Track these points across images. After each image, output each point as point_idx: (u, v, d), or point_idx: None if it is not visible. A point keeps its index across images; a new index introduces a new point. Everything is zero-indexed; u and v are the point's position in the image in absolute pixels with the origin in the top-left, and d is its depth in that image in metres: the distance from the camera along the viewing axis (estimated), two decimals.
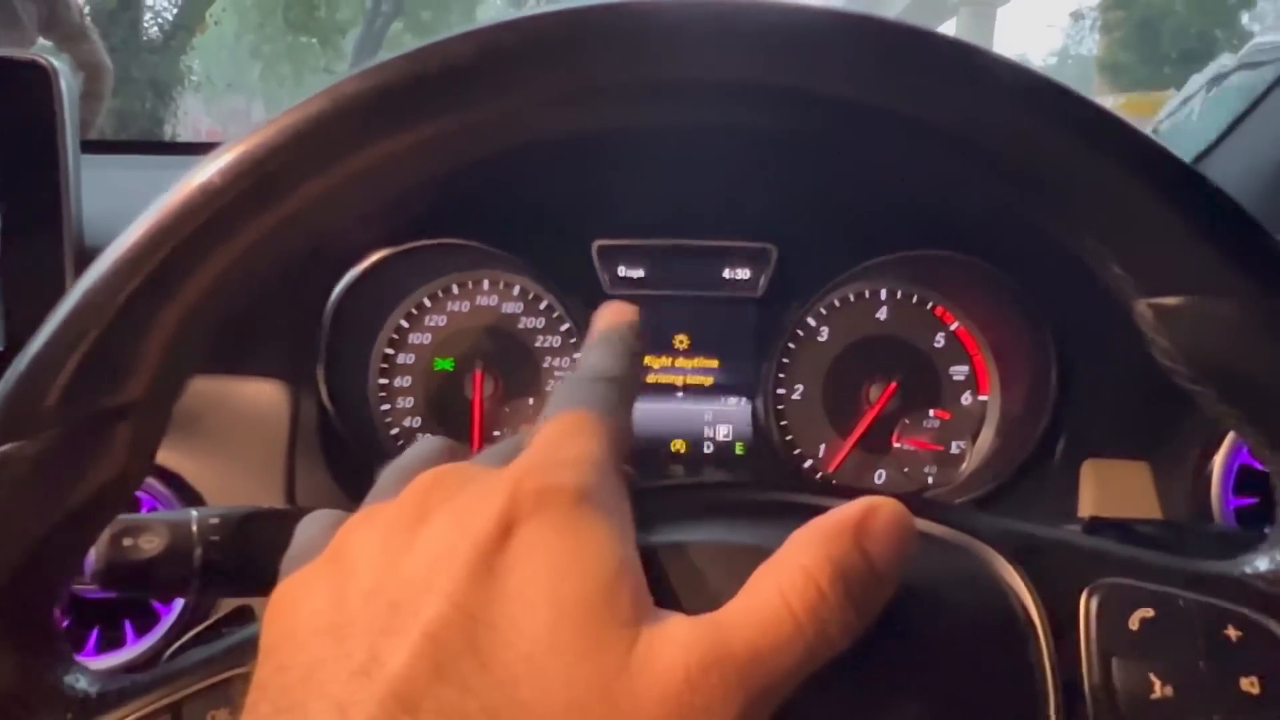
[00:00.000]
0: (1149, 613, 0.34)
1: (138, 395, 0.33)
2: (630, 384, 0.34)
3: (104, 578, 0.46)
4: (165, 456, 0.69)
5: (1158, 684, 0.33)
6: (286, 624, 0.26)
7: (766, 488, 0.39)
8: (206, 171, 0.31)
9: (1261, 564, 0.35)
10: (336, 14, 10.94)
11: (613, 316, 0.37)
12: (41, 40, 2.68)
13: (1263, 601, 0.34)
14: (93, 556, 0.45)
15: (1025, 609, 0.35)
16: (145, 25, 9.24)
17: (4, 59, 0.63)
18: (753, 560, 0.29)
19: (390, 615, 0.24)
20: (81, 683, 0.34)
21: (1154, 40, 11.42)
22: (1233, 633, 0.33)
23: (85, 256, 0.67)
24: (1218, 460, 0.65)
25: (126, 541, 0.47)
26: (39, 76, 0.63)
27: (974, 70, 0.32)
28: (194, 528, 0.48)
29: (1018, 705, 0.33)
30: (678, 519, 0.35)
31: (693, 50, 0.32)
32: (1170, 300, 0.32)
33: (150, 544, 0.47)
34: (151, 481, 0.67)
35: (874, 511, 0.28)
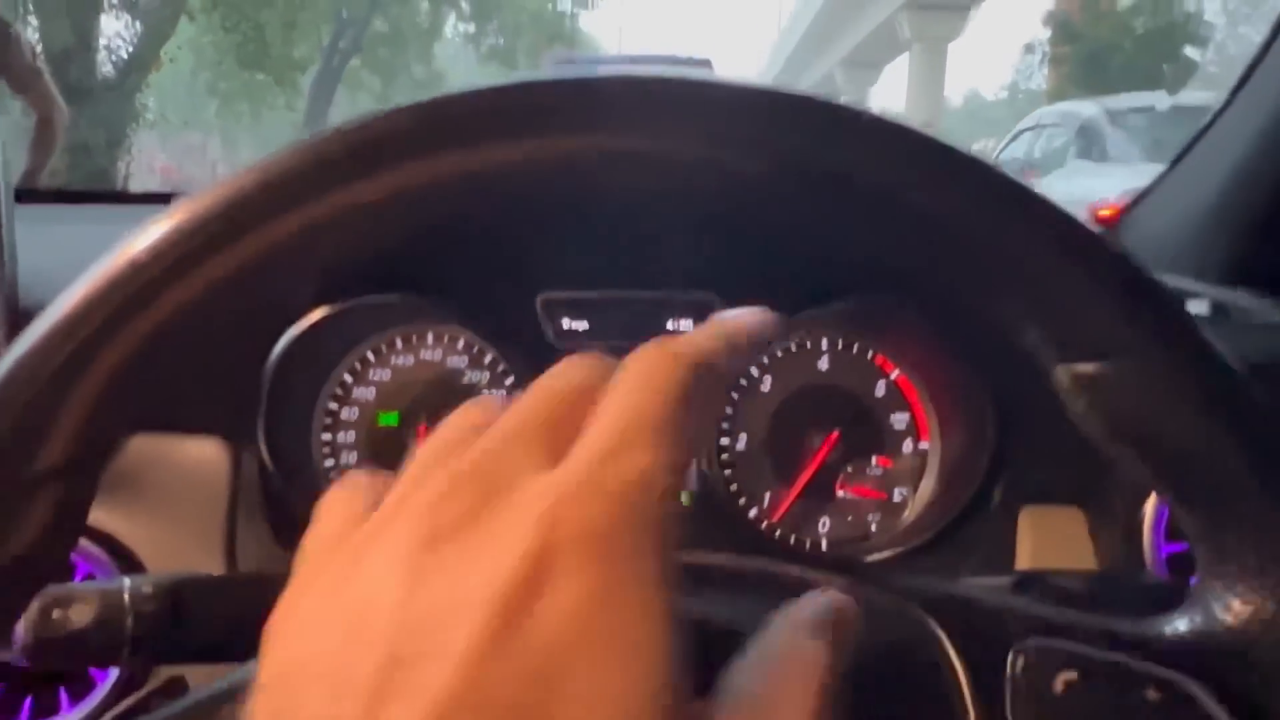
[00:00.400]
0: (1072, 675, 0.35)
1: (57, 464, 0.33)
2: (727, 386, 0.30)
3: (32, 652, 0.45)
4: (100, 518, 0.68)
5: None
6: (285, 656, 0.23)
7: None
8: (135, 245, 0.32)
9: (1181, 625, 0.36)
10: (294, 52, 10.94)
11: (750, 314, 0.31)
12: None
13: (1181, 662, 0.34)
14: (20, 630, 0.44)
15: (951, 668, 0.36)
16: (99, 63, 9.18)
17: None
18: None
19: (392, 674, 0.20)
20: None
21: (1102, 75, 11.68)
22: (1153, 694, 0.34)
23: (19, 316, 0.67)
24: (1148, 507, 0.66)
25: (55, 614, 0.45)
26: None
27: (888, 144, 0.33)
28: (126, 597, 0.47)
29: None
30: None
31: (619, 125, 0.33)
32: (1084, 366, 0.33)
33: (80, 615, 0.46)
34: (85, 544, 0.66)
35: (836, 607, 0.30)
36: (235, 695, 0.35)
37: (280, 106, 12.12)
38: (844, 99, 0.35)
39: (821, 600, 0.29)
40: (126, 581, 0.48)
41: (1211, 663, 0.34)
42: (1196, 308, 0.81)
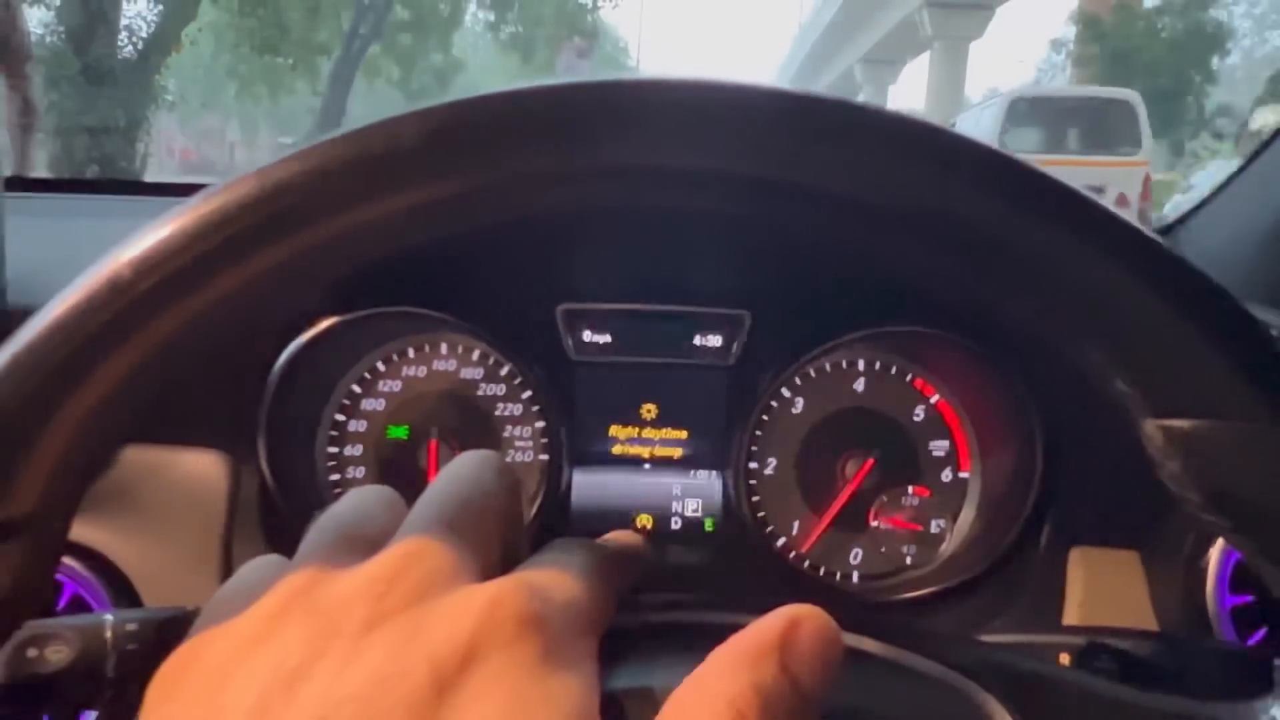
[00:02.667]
0: None
1: (28, 510, 0.29)
2: (614, 597, 0.30)
3: (3, 696, 0.42)
4: (89, 534, 0.64)
5: None
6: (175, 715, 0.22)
7: (732, 607, 0.36)
8: (117, 262, 0.28)
9: (1278, 712, 0.32)
10: (314, 36, 10.91)
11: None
12: None
13: None
14: None
15: None
16: (120, 45, 9.18)
17: None
18: None
19: None
20: None
21: (1126, 76, 11.57)
22: None
23: (5, 314, 0.63)
24: (1213, 555, 0.61)
25: (31, 653, 0.42)
26: None
27: (978, 172, 0.29)
28: (108, 634, 0.44)
29: None
30: (646, 657, 0.32)
31: (659, 138, 0.29)
32: (1183, 423, 0.29)
33: (58, 654, 0.43)
34: (74, 565, 0.63)
35: (797, 626, 0.25)
36: None
37: (299, 91, 12.11)
38: (861, 97, 0.30)
39: (777, 618, 0.25)
40: (109, 617, 0.44)
41: None
42: None
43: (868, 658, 0.34)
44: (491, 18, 13.37)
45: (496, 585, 0.24)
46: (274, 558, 0.28)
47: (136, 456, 0.66)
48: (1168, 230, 0.90)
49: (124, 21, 9.39)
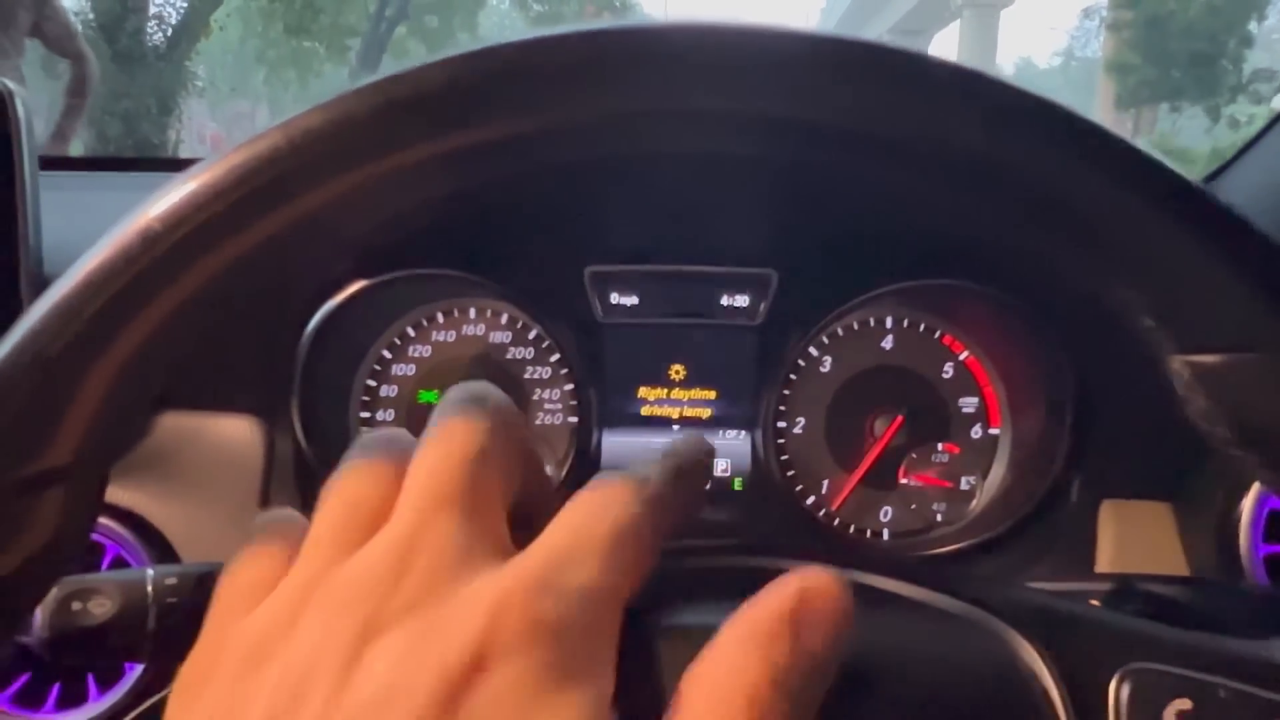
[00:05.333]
0: (1186, 704, 0.31)
1: (66, 461, 0.30)
2: (678, 525, 0.28)
3: (50, 647, 0.43)
4: (128, 497, 0.65)
5: None
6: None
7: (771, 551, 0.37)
8: (146, 215, 0.28)
9: None
10: (341, 19, 10.95)
11: (692, 446, 0.31)
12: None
13: None
14: (39, 623, 0.42)
15: (1048, 695, 0.32)
16: (150, 31, 9.25)
17: None
18: None
19: None
20: None
21: (1162, 42, 11.37)
22: None
23: (42, 285, 0.64)
24: (1246, 504, 0.61)
25: (75, 606, 0.44)
26: None
27: (994, 102, 0.28)
28: (149, 588, 0.45)
29: None
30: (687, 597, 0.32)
31: (699, 79, 0.29)
32: (1211, 359, 0.29)
33: (101, 608, 0.44)
34: (112, 525, 0.64)
35: (808, 597, 0.25)
36: None
37: (326, 75, 12.16)
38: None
39: (786, 589, 0.25)
40: (150, 572, 0.46)
41: None
42: None
43: (894, 598, 0.34)
44: None
45: (505, 581, 0.23)
46: (285, 529, 0.28)
47: (175, 423, 0.68)
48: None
49: (153, 9, 9.46)
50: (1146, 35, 12.02)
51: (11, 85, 0.60)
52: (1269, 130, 0.83)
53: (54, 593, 0.43)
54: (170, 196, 0.28)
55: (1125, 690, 0.31)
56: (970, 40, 20.44)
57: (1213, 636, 0.34)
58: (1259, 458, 0.30)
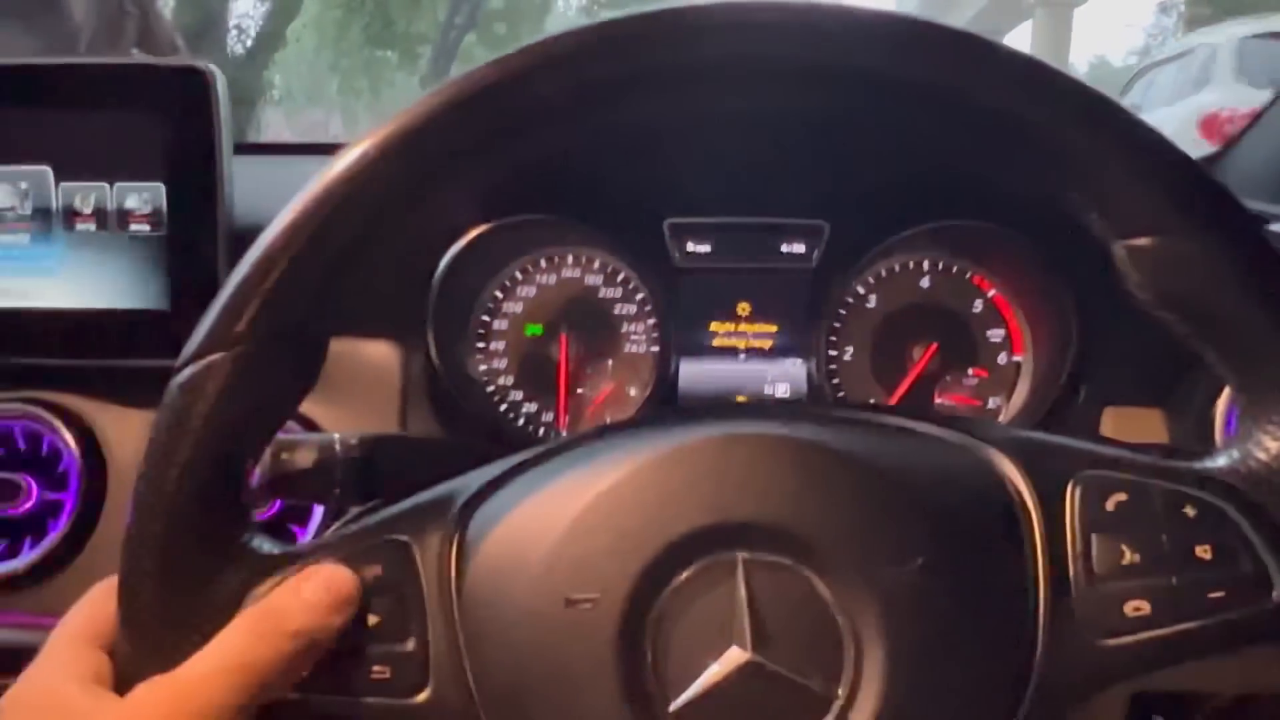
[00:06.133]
0: (1122, 496, 0.41)
1: (307, 322, 0.41)
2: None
3: (267, 486, 0.55)
4: (305, 408, 0.80)
5: (1127, 552, 0.40)
6: None
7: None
8: (364, 142, 0.40)
9: (1220, 460, 0.42)
10: (413, 28, 11.18)
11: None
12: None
13: (1217, 488, 0.41)
14: (258, 470, 0.50)
15: (1020, 495, 0.42)
16: (230, 43, 9.49)
17: (175, 66, 0.75)
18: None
19: None
20: (265, 546, 0.43)
21: None
22: (1190, 511, 0.40)
23: (236, 235, 0.79)
24: (1219, 405, 0.72)
25: (284, 456, 0.56)
26: (202, 79, 0.74)
27: (981, 57, 0.40)
28: (337, 447, 0.57)
29: (1014, 571, 0.41)
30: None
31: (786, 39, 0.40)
32: (1139, 241, 0.40)
33: (304, 459, 0.56)
34: (291, 424, 0.79)
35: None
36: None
37: (397, 85, 12.39)
38: None
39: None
40: (337, 435, 0.58)
41: (1244, 489, 0.41)
42: None
43: (903, 430, 0.45)
44: (584, 1, 13.47)
45: None
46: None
47: (335, 347, 0.82)
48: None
49: (233, 20, 9.71)
50: None
51: (215, 68, 0.75)
52: (1270, 108, 0.94)
53: (268, 448, 0.53)
54: (389, 128, 0.41)
55: (1078, 490, 0.42)
56: (1043, 38, 19.95)
57: (1146, 454, 0.44)
58: (1176, 317, 0.41)
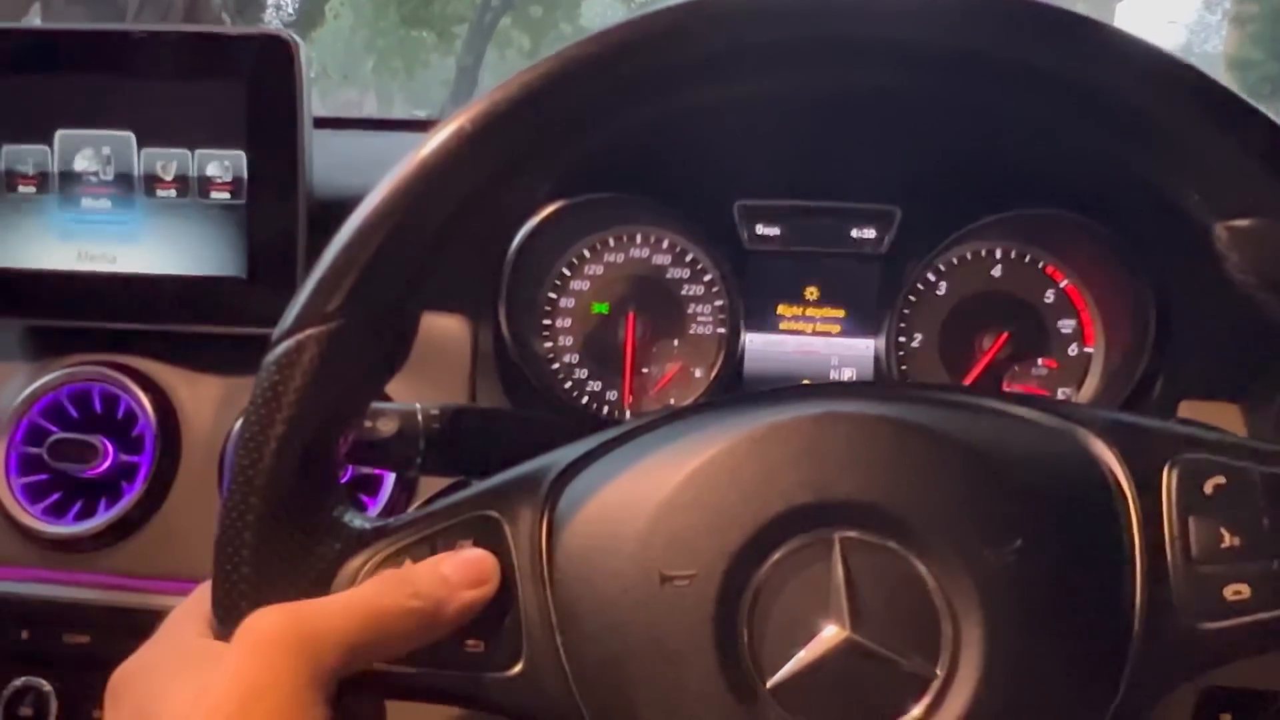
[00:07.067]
0: (1221, 480, 0.42)
1: (400, 299, 0.43)
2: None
3: (353, 452, 0.56)
4: None
5: (1227, 535, 0.41)
6: None
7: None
8: (459, 119, 0.41)
9: None
10: (450, 8, 11.22)
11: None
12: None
13: None
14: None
15: (1116, 478, 0.42)
16: (269, 19, 9.59)
17: (258, 35, 0.75)
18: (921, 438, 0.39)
19: None
20: (356, 521, 0.44)
21: None
22: None
23: (314, 206, 0.79)
24: None
25: (367, 424, 0.57)
26: (284, 49, 0.75)
27: (1092, 39, 0.40)
28: (419, 417, 0.58)
29: (1111, 554, 0.41)
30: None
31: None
32: (1242, 222, 0.40)
33: (387, 427, 0.57)
34: None
35: None
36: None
37: (432, 65, 12.45)
38: None
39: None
40: (419, 405, 0.59)
41: None
42: None
43: (999, 412, 0.45)
44: None
45: None
46: None
47: None
48: None
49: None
50: (1273, 29, 11.53)
51: (298, 38, 0.76)
52: None
53: None
54: (480, 104, 0.41)
55: (1175, 473, 0.42)
56: None
57: (1243, 439, 0.44)
58: (1277, 299, 0.41)
